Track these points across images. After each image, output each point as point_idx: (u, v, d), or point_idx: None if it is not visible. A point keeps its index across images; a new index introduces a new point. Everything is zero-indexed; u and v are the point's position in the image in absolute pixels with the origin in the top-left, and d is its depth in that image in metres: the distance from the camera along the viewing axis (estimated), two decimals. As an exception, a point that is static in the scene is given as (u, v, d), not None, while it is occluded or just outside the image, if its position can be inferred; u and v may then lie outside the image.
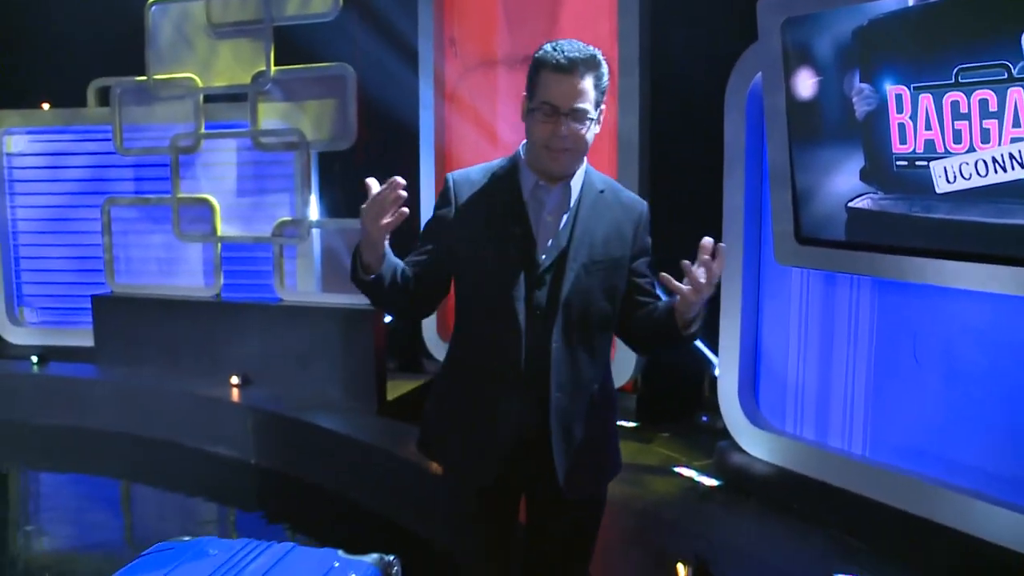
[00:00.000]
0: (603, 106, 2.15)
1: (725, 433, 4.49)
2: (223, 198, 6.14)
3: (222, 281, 6.11)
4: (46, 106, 6.92)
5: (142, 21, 6.18)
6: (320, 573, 1.24)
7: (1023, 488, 3.35)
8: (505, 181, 2.21)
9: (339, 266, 6.00)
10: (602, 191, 2.26)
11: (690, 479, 4.48)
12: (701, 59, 4.96)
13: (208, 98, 6.11)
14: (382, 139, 6.08)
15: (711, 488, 4.36)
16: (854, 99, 3.63)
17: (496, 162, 2.28)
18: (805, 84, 3.82)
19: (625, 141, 5.40)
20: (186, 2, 6.06)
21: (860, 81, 3.59)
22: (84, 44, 6.72)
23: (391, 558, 1.36)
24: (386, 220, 1.97)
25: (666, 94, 5.27)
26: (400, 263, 2.17)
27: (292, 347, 5.73)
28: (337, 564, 1.28)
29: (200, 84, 6.03)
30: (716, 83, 4.43)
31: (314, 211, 5.88)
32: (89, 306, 6.51)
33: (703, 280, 2.00)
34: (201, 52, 6.05)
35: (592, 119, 2.11)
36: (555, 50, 2.09)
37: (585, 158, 2.21)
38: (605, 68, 2.13)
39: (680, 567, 3.34)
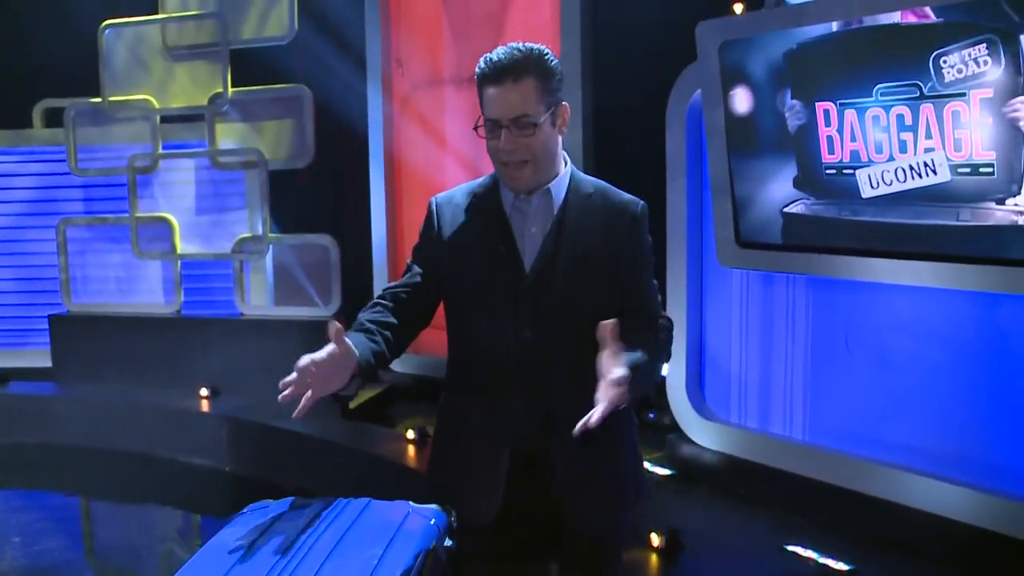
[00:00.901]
0: (559, 105, 2.02)
1: (673, 427, 4.80)
2: (181, 216, 6.27)
3: (182, 298, 6.24)
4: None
5: (88, 43, 6.26)
6: (398, 519, 1.46)
7: (945, 461, 3.73)
8: (487, 199, 2.13)
9: (291, 280, 6.17)
10: (590, 195, 2.12)
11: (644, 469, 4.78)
12: (642, 76, 5.26)
13: (164, 119, 6.24)
14: (332, 157, 6.28)
15: (664, 477, 4.64)
16: (786, 114, 3.99)
17: (478, 181, 2.20)
18: (741, 101, 4.17)
19: (570, 154, 5.70)
20: (140, 25, 6.19)
21: (792, 98, 3.95)
22: (27, 66, 6.77)
23: (449, 508, 1.58)
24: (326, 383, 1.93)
25: (608, 110, 5.55)
26: (364, 342, 2.04)
27: (256, 359, 5.88)
28: (410, 511, 1.51)
29: (156, 106, 6.16)
30: (656, 99, 4.73)
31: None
32: (41, 327, 6.55)
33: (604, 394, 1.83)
34: (157, 74, 6.18)
35: (536, 124, 1.97)
36: (486, 62, 1.99)
37: (567, 163, 2.13)
38: (548, 63, 1.99)
39: (653, 535, 3.64)
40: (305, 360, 1.89)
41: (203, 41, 6.04)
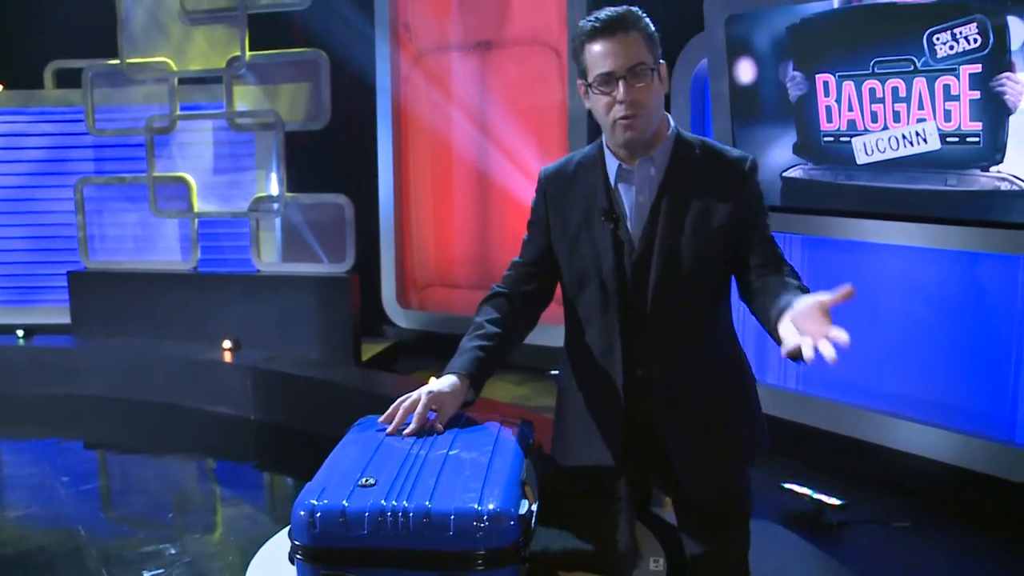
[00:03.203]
0: (662, 60, 1.99)
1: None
2: (199, 176, 6.47)
3: (199, 255, 6.46)
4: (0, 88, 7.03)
5: (99, 4, 6.39)
6: (494, 432, 1.73)
7: (929, 407, 4.07)
8: (592, 169, 2.08)
9: (298, 238, 6.40)
10: (696, 154, 2.04)
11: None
12: None
13: (181, 81, 6.40)
14: (347, 119, 6.49)
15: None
16: (788, 85, 4.27)
17: (581, 152, 2.15)
18: (745, 71, 4.44)
19: (575, 119, 5.94)
20: (159, -11, 6.34)
21: (793, 69, 4.23)
22: (37, 28, 6.84)
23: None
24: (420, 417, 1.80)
25: None
26: (480, 346, 2.00)
27: (273, 314, 6.14)
28: (500, 425, 1.79)
29: (174, 68, 6.33)
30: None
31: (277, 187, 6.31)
32: (57, 285, 6.73)
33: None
34: (175, 37, 6.34)
35: (653, 70, 1.94)
36: (592, 20, 1.96)
37: (670, 125, 2.04)
38: (648, 21, 1.98)
39: None
40: (422, 410, 1.80)
41: (221, 5, 6.19)
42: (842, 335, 1.61)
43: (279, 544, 1.67)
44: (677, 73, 4.92)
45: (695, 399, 2.03)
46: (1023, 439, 3.80)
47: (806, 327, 1.68)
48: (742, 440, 2.11)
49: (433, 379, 1.89)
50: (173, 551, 3.96)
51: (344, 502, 1.41)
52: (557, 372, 2.26)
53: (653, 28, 1.97)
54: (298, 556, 1.43)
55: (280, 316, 6.14)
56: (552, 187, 2.12)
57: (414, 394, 1.83)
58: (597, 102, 1.96)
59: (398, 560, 1.39)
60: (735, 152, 2.09)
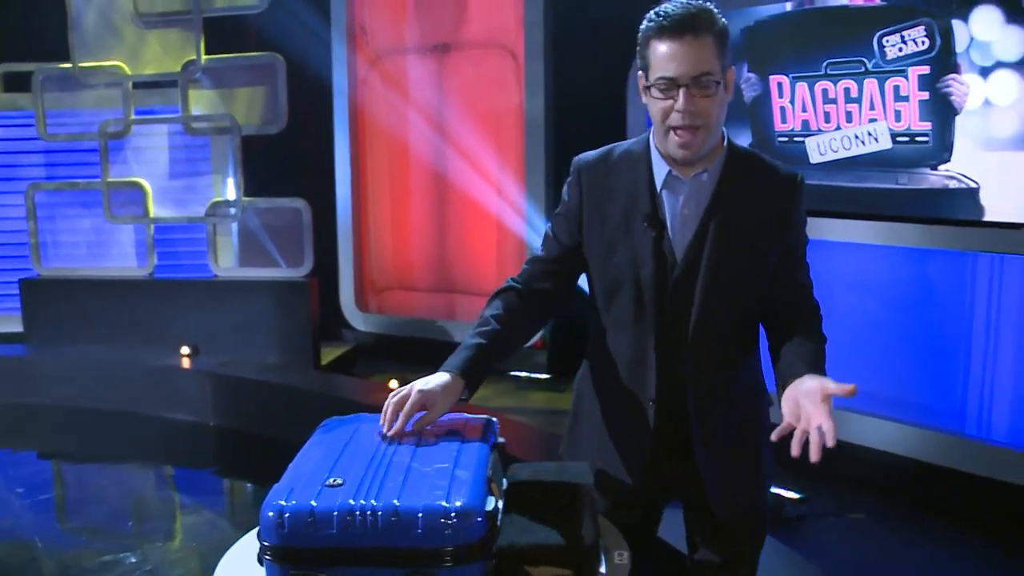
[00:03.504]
0: (730, 68, 1.85)
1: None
2: (154, 181, 6.41)
3: (155, 261, 6.39)
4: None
5: (48, 7, 6.28)
6: (459, 430, 1.73)
7: (884, 402, 4.15)
8: (636, 170, 1.94)
9: (255, 242, 6.37)
10: (748, 170, 1.94)
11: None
12: (603, 49, 5.54)
13: (135, 85, 6.33)
14: (300, 123, 6.47)
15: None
16: (743, 86, 4.34)
17: (625, 145, 2.01)
18: (700, 73, 4.51)
19: (532, 122, 5.97)
20: (110, -8, 6.27)
21: (748, 71, 4.30)
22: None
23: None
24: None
25: (571, 82, 5.81)
26: (479, 344, 1.93)
27: (231, 319, 6.10)
28: (467, 422, 1.81)
29: (128, 72, 6.25)
30: (618, 71, 5.04)
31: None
32: (7, 293, 6.62)
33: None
34: (128, 40, 6.26)
35: (719, 83, 1.80)
36: (661, 15, 1.80)
37: (725, 134, 1.93)
38: (723, 21, 1.83)
39: None
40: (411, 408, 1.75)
41: (175, 8, 6.14)
42: (830, 433, 1.68)
43: (245, 547, 1.67)
44: (632, 78, 4.96)
45: (727, 417, 1.97)
46: (973, 431, 3.91)
47: (804, 407, 1.72)
48: (766, 458, 2.06)
49: (427, 376, 1.82)
50: (133, 559, 3.93)
51: (312, 502, 1.42)
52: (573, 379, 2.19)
53: (727, 29, 1.83)
54: (267, 557, 1.43)
55: (238, 321, 6.10)
56: (591, 178, 1.98)
57: (404, 389, 1.76)
58: (654, 104, 1.83)
59: (367, 558, 1.41)
60: (785, 169, 1.99)
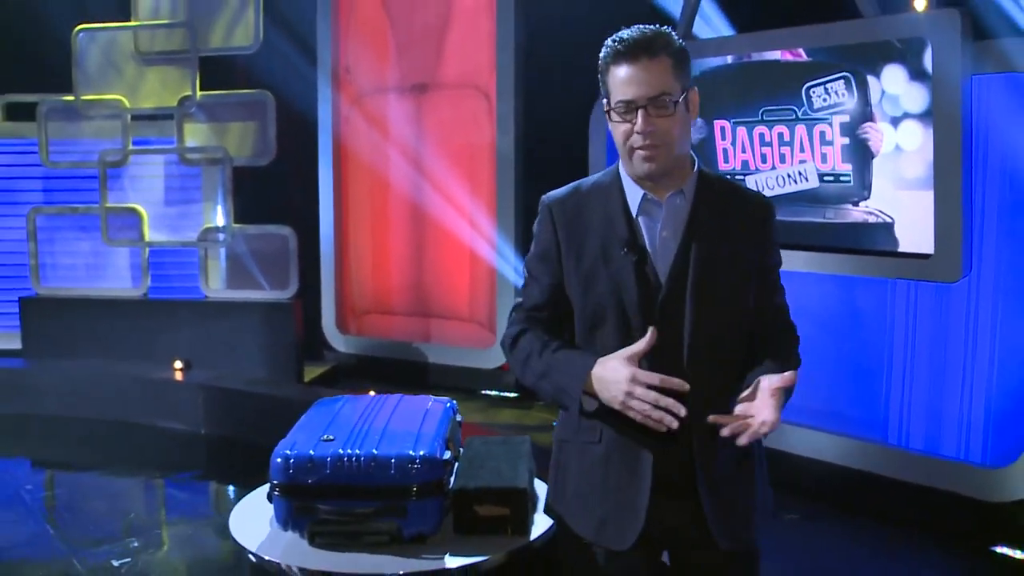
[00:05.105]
0: (691, 88, 1.87)
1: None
2: (150, 207, 6.80)
3: (149, 282, 6.77)
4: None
5: (52, 42, 6.68)
6: (425, 406, 2.18)
7: (814, 414, 4.56)
8: (609, 199, 1.93)
9: (240, 266, 6.73)
10: (720, 192, 1.96)
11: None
12: (568, 88, 5.88)
13: (134, 117, 6.73)
14: (294, 155, 6.89)
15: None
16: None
17: (592, 179, 2.01)
18: (654, 117, 4.98)
19: (503, 158, 6.30)
20: (113, 31, 6.69)
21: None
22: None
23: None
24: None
25: (537, 116, 6.20)
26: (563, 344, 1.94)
27: (220, 338, 6.47)
28: (431, 401, 2.24)
29: (128, 105, 6.67)
30: (580, 109, 5.45)
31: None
32: (7, 311, 6.93)
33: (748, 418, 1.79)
34: (129, 76, 6.69)
35: (676, 103, 1.82)
36: (616, 41, 1.84)
37: (695, 162, 1.95)
38: (679, 44, 1.86)
39: None
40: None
41: (173, 48, 6.57)
42: (767, 427, 1.78)
43: (254, 499, 2.10)
44: (594, 116, 5.43)
45: (727, 449, 1.90)
46: (894, 440, 4.33)
47: (754, 404, 1.81)
48: (761, 493, 2.05)
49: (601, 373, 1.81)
50: (117, 563, 4.12)
51: (311, 451, 1.86)
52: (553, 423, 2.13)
53: (686, 50, 1.86)
54: (276, 493, 1.87)
55: (227, 340, 6.46)
56: (562, 213, 1.96)
57: (637, 390, 1.77)
58: (615, 128, 1.87)
59: (352, 493, 1.85)
60: (752, 191, 2.06)
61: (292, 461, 1.83)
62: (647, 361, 1.84)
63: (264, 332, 6.47)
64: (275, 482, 1.86)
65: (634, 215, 1.91)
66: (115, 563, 4.15)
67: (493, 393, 6.42)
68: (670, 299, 1.88)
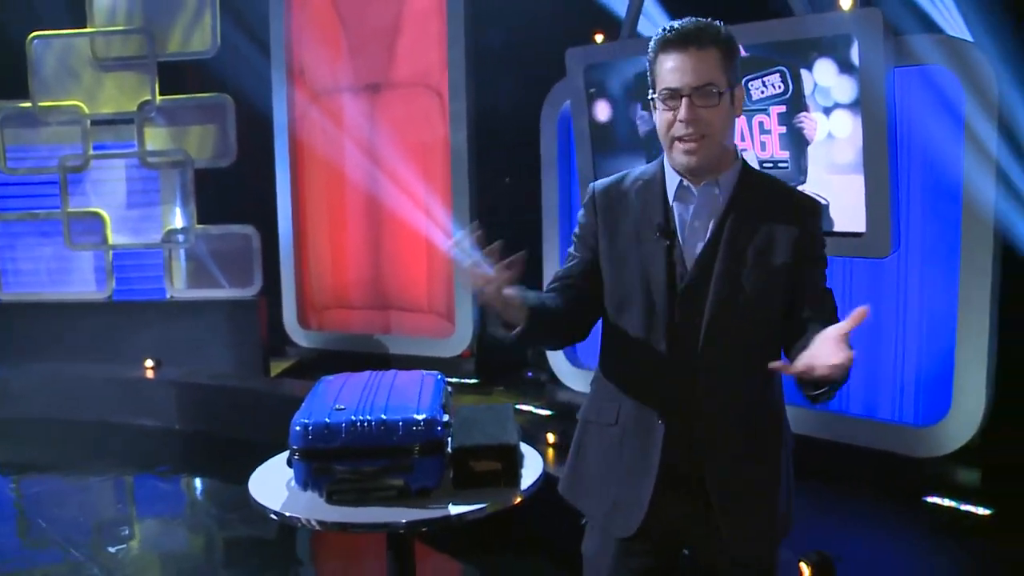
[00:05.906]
0: (739, 85, 1.88)
1: (548, 381, 5.85)
2: (112, 211, 6.91)
3: (114, 285, 6.89)
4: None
5: (4, 49, 6.74)
6: (419, 378, 2.43)
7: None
8: (650, 187, 1.97)
9: (200, 266, 6.89)
10: (761, 188, 1.95)
11: (530, 411, 5.70)
12: (520, 86, 6.17)
13: (93, 122, 6.83)
14: (248, 156, 7.04)
15: (545, 416, 5.64)
16: (637, 122, 5.12)
17: (639, 169, 2.06)
18: (602, 111, 5.28)
19: (457, 153, 6.44)
20: (69, 37, 6.77)
21: (641, 110, 5.09)
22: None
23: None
24: (492, 283, 1.76)
25: (490, 113, 6.41)
26: (542, 296, 1.94)
27: (186, 337, 6.63)
28: (424, 375, 2.50)
29: (87, 111, 6.77)
30: (532, 106, 5.72)
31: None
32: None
33: (820, 365, 1.69)
34: (86, 82, 6.78)
35: (721, 94, 1.82)
36: (667, 29, 1.85)
37: (738, 156, 1.96)
38: (732, 38, 1.87)
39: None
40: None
41: (131, 53, 6.68)
42: (845, 363, 1.68)
43: (266, 469, 2.34)
44: (545, 112, 5.71)
45: (740, 444, 1.92)
46: (835, 405, 4.58)
47: (818, 352, 1.71)
48: (780, 506, 2.00)
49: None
50: (96, 570, 4.20)
51: (327, 419, 2.11)
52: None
53: (736, 45, 1.87)
54: (295, 457, 2.11)
55: (193, 338, 6.62)
56: (605, 200, 2.02)
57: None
58: (660, 117, 1.87)
59: (363, 454, 2.10)
60: (801, 192, 2.04)
61: (311, 428, 2.07)
62: (665, 342, 1.90)
63: (230, 329, 6.64)
64: (295, 447, 2.10)
65: (670, 201, 1.94)
66: (111, 549, 4.34)
67: (454, 380, 6.60)
68: (693, 285, 1.90)
